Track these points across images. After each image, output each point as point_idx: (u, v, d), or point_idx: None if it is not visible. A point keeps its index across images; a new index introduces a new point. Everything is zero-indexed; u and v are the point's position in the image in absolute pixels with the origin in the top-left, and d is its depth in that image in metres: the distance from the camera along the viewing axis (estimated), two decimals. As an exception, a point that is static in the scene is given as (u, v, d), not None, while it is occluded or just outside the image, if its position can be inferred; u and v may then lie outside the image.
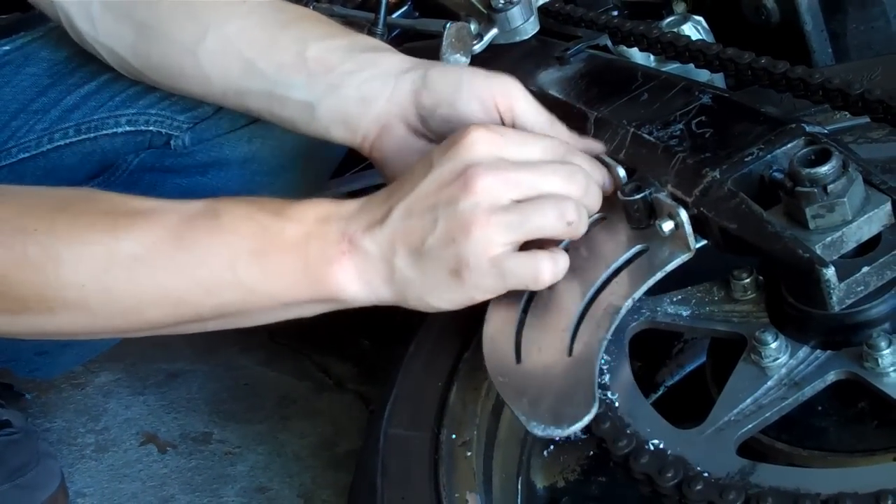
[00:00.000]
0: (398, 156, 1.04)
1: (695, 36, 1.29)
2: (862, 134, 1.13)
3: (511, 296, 0.95)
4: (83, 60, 1.28)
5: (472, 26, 1.19)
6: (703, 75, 1.22)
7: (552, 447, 1.15)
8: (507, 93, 0.99)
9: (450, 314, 0.94)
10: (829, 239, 0.84)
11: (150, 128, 1.29)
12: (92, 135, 1.29)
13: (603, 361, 0.90)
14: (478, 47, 1.19)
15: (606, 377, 0.91)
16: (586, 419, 0.84)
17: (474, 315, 1.00)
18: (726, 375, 0.89)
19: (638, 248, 0.93)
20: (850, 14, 1.40)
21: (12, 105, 1.29)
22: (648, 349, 1.13)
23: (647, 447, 0.85)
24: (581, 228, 0.91)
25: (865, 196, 0.85)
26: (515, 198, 0.88)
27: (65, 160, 1.30)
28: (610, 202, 0.96)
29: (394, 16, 1.50)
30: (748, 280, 0.95)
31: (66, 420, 1.64)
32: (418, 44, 1.32)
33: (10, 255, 0.89)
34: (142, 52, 1.13)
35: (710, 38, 1.35)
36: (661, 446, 0.85)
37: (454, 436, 1.02)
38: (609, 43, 1.23)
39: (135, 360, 1.72)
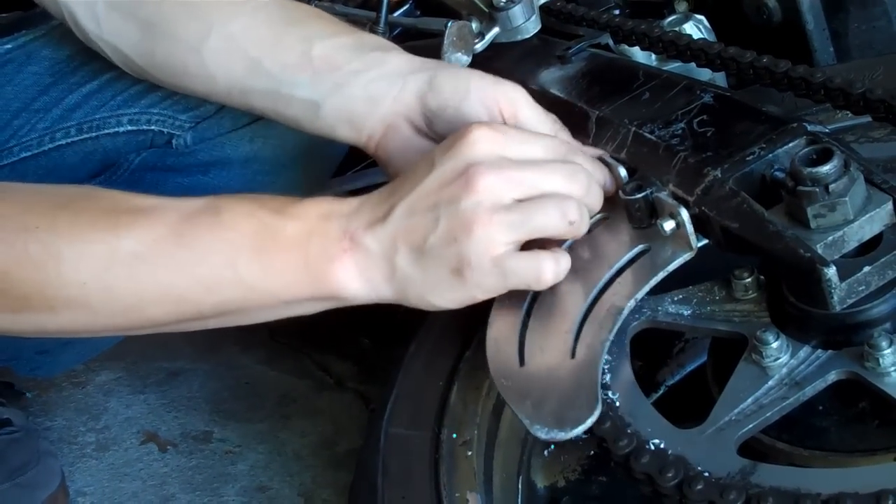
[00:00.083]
0: (402, 155, 1.04)
1: (696, 35, 1.29)
2: (863, 133, 1.13)
3: (514, 298, 0.94)
4: (85, 59, 1.28)
5: (474, 25, 1.19)
6: (705, 74, 1.22)
7: (553, 447, 1.15)
8: (511, 99, 0.99)
9: (450, 313, 0.94)
10: (830, 238, 0.84)
11: (152, 127, 1.29)
12: (94, 134, 1.29)
13: (604, 361, 0.90)
14: (479, 46, 1.19)
15: (607, 377, 0.91)
16: (589, 422, 0.84)
17: (475, 315, 1.00)
18: (727, 375, 0.89)
19: (640, 248, 0.93)
20: (852, 13, 1.40)
21: (14, 104, 1.29)
22: (649, 349, 1.13)
23: (647, 447, 0.85)
24: (583, 228, 0.91)
25: (867, 195, 0.85)
26: (517, 197, 0.88)
27: (66, 159, 1.30)
28: (611, 202, 0.96)
29: (395, 14, 1.50)
30: (749, 279, 0.94)
31: (66, 419, 1.64)
32: (420, 42, 1.32)
33: (12, 253, 0.89)
34: (146, 50, 1.13)
35: (711, 37, 1.35)
36: (662, 446, 0.85)
37: (455, 435, 1.02)
38: (610, 42, 1.23)
39: (135, 359, 1.72)
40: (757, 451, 0.88)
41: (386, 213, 0.90)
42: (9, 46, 1.30)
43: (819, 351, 0.87)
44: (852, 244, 0.85)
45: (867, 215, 0.84)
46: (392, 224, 0.89)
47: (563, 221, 0.89)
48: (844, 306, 0.84)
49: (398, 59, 1.04)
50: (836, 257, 0.84)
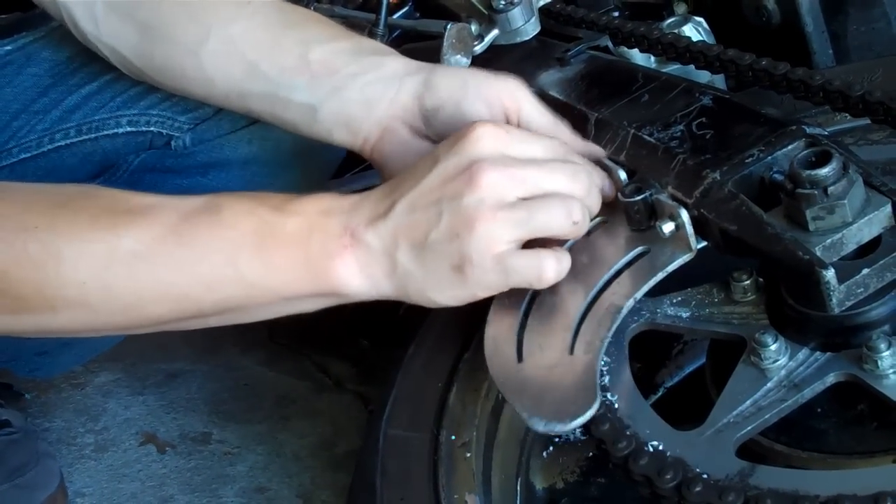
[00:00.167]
0: (399, 158, 1.04)
1: (695, 37, 1.29)
2: (862, 136, 1.13)
3: (512, 297, 0.95)
4: (85, 60, 1.28)
5: (473, 27, 1.19)
6: (704, 76, 1.22)
7: (551, 448, 1.15)
8: (513, 94, 0.99)
9: (449, 314, 0.94)
10: (829, 241, 0.84)
11: (151, 128, 1.29)
12: (93, 135, 1.29)
13: (602, 363, 0.90)
14: (479, 48, 1.19)
15: (606, 378, 0.91)
16: (588, 414, 0.84)
17: (474, 316, 1.00)
18: (726, 377, 0.89)
19: (639, 249, 0.93)
20: (851, 15, 1.40)
21: (13, 105, 1.29)
22: (648, 350, 1.13)
23: (646, 449, 0.85)
24: (584, 228, 0.92)
25: (866, 198, 0.85)
26: (520, 195, 0.88)
27: (65, 160, 1.30)
28: (611, 206, 0.96)
29: (395, 17, 1.50)
30: (748, 282, 0.95)
31: (65, 420, 1.64)
32: (419, 45, 1.32)
33: (11, 253, 0.89)
34: (145, 52, 1.13)
35: (710, 40, 1.35)
36: (661, 448, 0.85)
37: (453, 437, 1.02)
38: (610, 44, 1.23)
39: (134, 360, 1.72)
40: (756, 452, 0.88)
41: (387, 208, 0.90)
42: (8, 48, 1.30)
43: (818, 353, 0.87)
44: (851, 246, 0.85)
45: (866, 218, 0.84)
46: (393, 220, 0.89)
47: (567, 221, 0.89)
48: (843, 308, 0.84)
49: (395, 63, 1.04)
50: (834, 259, 0.84)
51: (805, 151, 0.87)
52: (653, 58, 1.25)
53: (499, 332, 0.94)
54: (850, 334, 0.86)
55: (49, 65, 1.30)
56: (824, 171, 0.83)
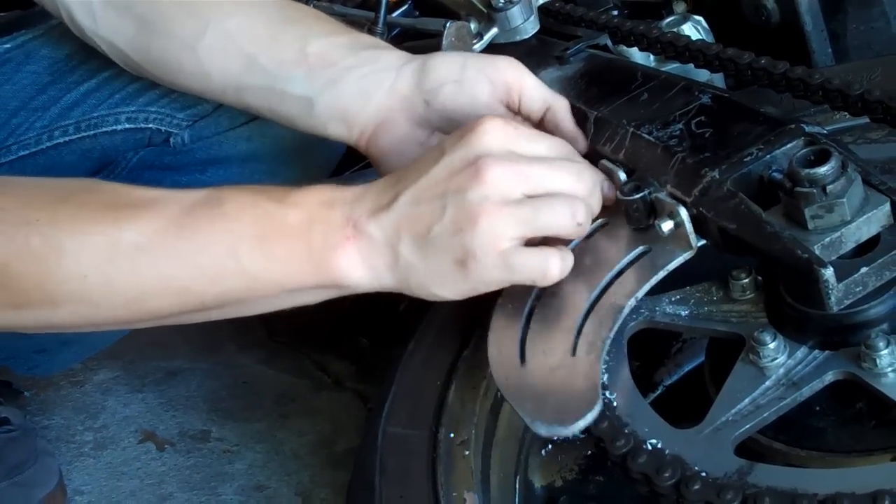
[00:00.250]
0: (396, 151, 1.04)
1: (695, 36, 1.29)
2: (861, 134, 1.13)
3: (515, 300, 0.95)
4: (84, 58, 1.28)
5: (472, 25, 1.19)
6: (703, 75, 1.22)
7: (550, 446, 1.15)
8: (515, 70, 1.01)
9: (449, 311, 0.94)
10: (827, 239, 0.84)
11: (150, 125, 1.29)
12: (91, 132, 1.29)
13: (604, 360, 0.90)
14: (478, 46, 1.19)
15: (605, 377, 0.91)
16: (589, 417, 0.84)
17: (473, 314, 1.00)
18: (724, 375, 0.89)
19: (640, 249, 0.93)
20: (850, 14, 1.40)
21: (12, 103, 1.29)
22: (647, 349, 1.13)
23: (645, 447, 0.85)
24: (587, 229, 0.92)
25: (864, 197, 0.85)
26: (525, 192, 0.88)
27: (64, 157, 1.30)
28: (612, 208, 0.96)
29: (394, 15, 1.50)
30: (747, 280, 0.95)
31: (64, 418, 1.64)
32: (418, 43, 1.32)
33: (13, 247, 0.88)
34: (141, 46, 1.13)
35: (709, 38, 1.35)
36: (659, 446, 0.85)
37: (452, 434, 1.02)
38: (609, 42, 1.23)
39: (133, 358, 1.72)
40: (754, 451, 0.88)
41: (391, 200, 0.89)
42: (8, 46, 1.30)
43: (816, 351, 0.87)
44: (850, 245, 0.85)
45: (865, 216, 0.84)
46: (396, 212, 0.89)
47: (571, 222, 0.89)
48: (842, 307, 0.84)
49: (392, 56, 1.05)
50: (833, 258, 0.84)
51: (804, 150, 0.87)
52: (652, 56, 1.25)
53: (501, 332, 0.94)
54: (849, 333, 0.86)
55: (48, 62, 1.30)
56: (823, 169, 0.83)
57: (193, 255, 0.89)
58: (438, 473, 0.98)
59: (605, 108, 1.04)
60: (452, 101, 1.00)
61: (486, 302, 0.95)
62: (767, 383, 0.87)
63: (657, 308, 0.97)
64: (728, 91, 1.12)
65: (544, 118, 1.02)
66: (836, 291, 0.83)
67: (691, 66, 1.15)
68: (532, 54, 1.20)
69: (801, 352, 0.88)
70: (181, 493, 1.47)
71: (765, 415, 0.86)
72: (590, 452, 1.15)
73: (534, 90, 1.01)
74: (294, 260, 0.89)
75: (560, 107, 1.02)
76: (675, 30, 1.24)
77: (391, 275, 0.90)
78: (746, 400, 0.86)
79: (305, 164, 1.32)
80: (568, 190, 0.90)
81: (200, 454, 1.53)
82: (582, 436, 0.86)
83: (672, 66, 1.21)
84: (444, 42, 1.16)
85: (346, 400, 1.58)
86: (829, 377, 0.86)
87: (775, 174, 0.89)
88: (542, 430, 0.85)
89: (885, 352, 0.83)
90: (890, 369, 0.83)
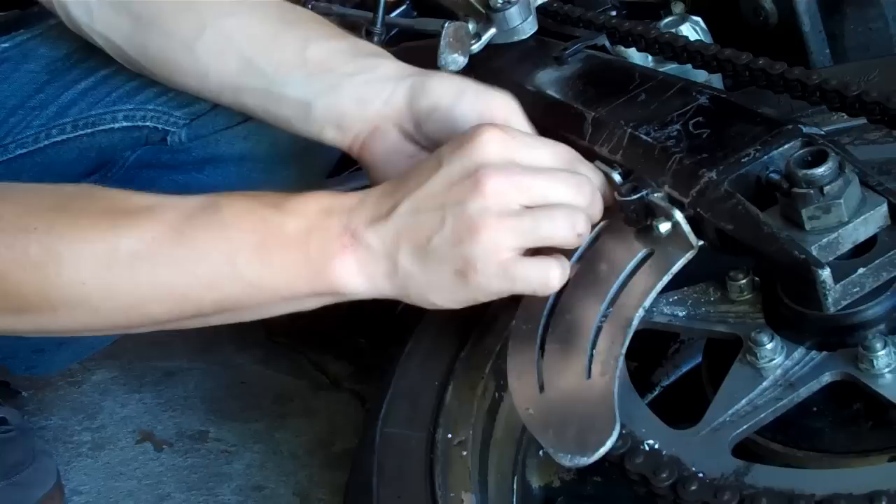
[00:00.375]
0: (387, 159, 1.04)
1: (693, 36, 1.29)
2: (859, 135, 1.13)
3: (528, 320, 0.95)
4: (81, 57, 1.28)
5: (471, 26, 1.19)
6: (701, 76, 1.22)
7: (548, 447, 1.15)
8: (506, 109, 0.99)
9: (447, 314, 0.94)
10: (825, 240, 0.84)
11: (147, 123, 1.29)
12: (89, 130, 1.29)
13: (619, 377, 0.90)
14: (476, 47, 1.19)
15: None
16: (609, 444, 0.83)
17: (471, 316, 1.00)
18: (722, 376, 0.89)
19: (643, 253, 0.93)
20: (848, 15, 1.40)
21: (10, 101, 1.29)
22: (645, 349, 1.13)
23: (642, 447, 0.85)
24: (586, 238, 0.92)
25: (862, 197, 0.85)
26: (525, 203, 0.88)
27: (62, 156, 1.30)
28: (610, 212, 0.96)
29: (392, 15, 1.50)
30: (744, 281, 0.95)
31: (62, 418, 1.64)
32: (416, 43, 1.32)
33: (11, 255, 0.89)
34: (138, 43, 1.13)
35: (707, 39, 1.35)
36: (657, 447, 0.85)
37: (450, 435, 1.02)
38: (607, 43, 1.23)
39: (131, 358, 1.72)
40: (751, 451, 0.88)
41: (389, 209, 0.89)
42: (6, 45, 1.30)
43: (813, 352, 0.88)
44: (847, 246, 0.85)
45: (862, 217, 0.84)
46: (395, 221, 0.89)
47: (571, 233, 0.89)
48: (839, 308, 0.84)
49: (391, 65, 1.05)
50: (830, 259, 0.84)
51: (801, 151, 0.87)
52: (650, 57, 1.25)
53: (519, 360, 0.94)
54: (846, 334, 0.86)
55: (46, 61, 1.30)
56: (820, 170, 0.83)
57: (191, 263, 0.90)
58: (436, 474, 0.98)
59: (603, 109, 1.04)
60: (439, 129, 1.00)
61: (486, 305, 0.95)
62: (765, 384, 0.87)
63: (655, 309, 0.97)
64: (726, 92, 1.12)
65: None
66: (834, 292, 0.83)
67: (689, 66, 1.15)
68: (530, 55, 1.20)
69: (799, 352, 0.88)
70: (179, 494, 1.47)
71: (762, 415, 0.86)
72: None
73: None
74: (291, 268, 0.90)
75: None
76: (673, 30, 1.24)
77: (389, 283, 0.90)
78: (744, 401, 0.86)
79: (303, 163, 1.32)
80: (568, 201, 0.90)
81: (198, 454, 1.53)
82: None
83: (670, 67, 1.21)
84: (441, 42, 1.16)
85: (344, 400, 1.57)
86: (826, 378, 0.86)
87: (773, 175, 0.89)
88: (566, 462, 0.84)
89: (882, 353, 0.83)
90: (887, 370, 0.83)
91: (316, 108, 1.05)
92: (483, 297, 0.90)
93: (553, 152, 0.93)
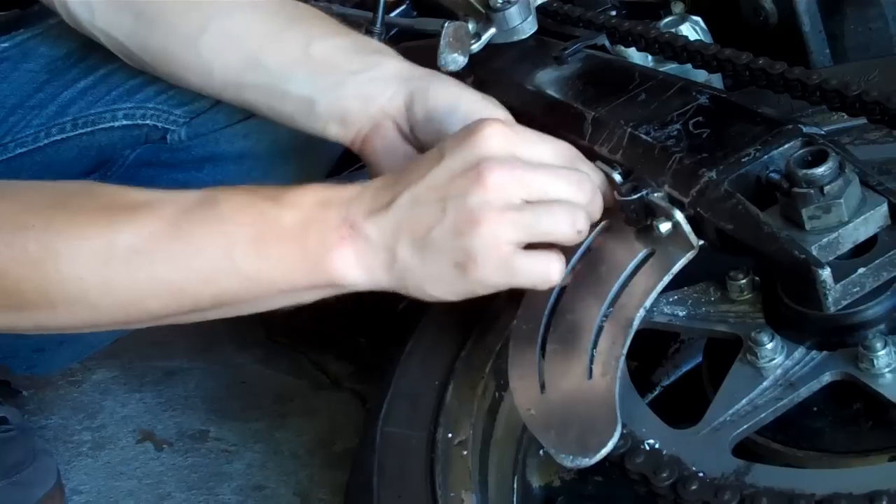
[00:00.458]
0: (386, 156, 1.04)
1: (693, 36, 1.29)
2: (859, 135, 1.13)
3: (528, 320, 0.95)
4: (81, 56, 1.28)
5: (470, 26, 1.19)
6: (701, 75, 1.22)
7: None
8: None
9: (447, 314, 0.94)
10: (825, 240, 0.84)
11: (147, 121, 1.29)
12: (89, 129, 1.29)
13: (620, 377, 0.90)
14: (475, 47, 1.19)
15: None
16: (610, 444, 0.83)
17: (471, 315, 1.00)
18: (722, 376, 0.89)
19: (643, 253, 0.93)
20: (848, 15, 1.40)
21: (10, 100, 1.29)
22: (645, 349, 1.13)
23: (642, 447, 0.85)
24: (585, 235, 0.92)
25: (862, 197, 0.85)
26: (525, 198, 0.88)
27: (62, 155, 1.30)
28: (610, 212, 0.96)
29: (392, 15, 1.49)
30: (744, 280, 0.95)
31: (62, 417, 1.64)
32: (416, 43, 1.32)
33: (10, 253, 0.89)
34: (140, 39, 1.13)
35: (707, 39, 1.35)
36: (657, 446, 0.85)
37: (450, 435, 1.02)
38: (607, 43, 1.23)
39: (132, 358, 1.72)
40: (751, 451, 0.88)
41: (389, 201, 0.89)
42: (6, 45, 1.30)
43: (814, 352, 0.88)
44: (847, 246, 0.85)
45: (862, 217, 0.84)
46: (395, 213, 0.88)
47: (571, 230, 0.89)
48: (839, 308, 0.84)
49: (396, 64, 1.05)
50: (830, 259, 0.84)
51: (801, 150, 0.87)
52: (650, 57, 1.25)
53: (520, 361, 0.94)
54: (846, 333, 0.86)
55: (45, 60, 1.30)
56: (821, 170, 0.83)
57: (189, 257, 0.90)
58: (436, 474, 0.98)
59: (603, 109, 1.04)
60: (435, 136, 1.00)
61: (486, 303, 0.95)
62: (765, 384, 0.87)
63: (655, 308, 0.97)
64: (726, 91, 1.12)
65: None
66: (834, 292, 0.83)
67: (689, 66, 1.15)
68: (530, 54, 1.20)
69: (799, 352, 0.88)
70: (179, 493, 1.47)
71: (762, 415, 0.86)
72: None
73: None
74: (289, 261, 0.90)
75: None
76: (672, 30, 1.24)
77: (387, 275, 0.90)
78: (744, 400, 0.87)
79: (303, 161, 1.32)
80: (569, 197, 0.90)
81: (199, 454, 1.53)
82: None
83: (670, 67, 1.21)
84: (441, 42, 1.16)
85: (345, 400, 1.57)
86: (826, 378, 0.86)
87: (773, 175, 0.89)
88: (568, 463, 0.85)
89: (882, 352, 0.83)
90: (887, 370, 0.83)
91: (319, 105, 1.05)
92: (482, 290, 0.90)
93: (554, 149, 0.93)
